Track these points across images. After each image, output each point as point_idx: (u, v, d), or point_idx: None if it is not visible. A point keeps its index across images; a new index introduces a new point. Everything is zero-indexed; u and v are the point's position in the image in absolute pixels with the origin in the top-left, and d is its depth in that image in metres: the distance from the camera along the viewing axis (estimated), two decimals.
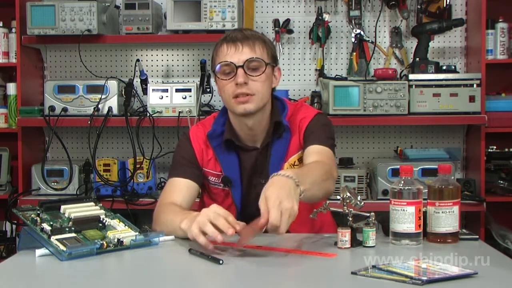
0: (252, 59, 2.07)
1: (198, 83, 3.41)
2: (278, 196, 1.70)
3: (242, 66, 2.06)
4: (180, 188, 2.14)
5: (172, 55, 3.75)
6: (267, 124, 2.16)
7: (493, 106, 3.40)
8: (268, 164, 2.15)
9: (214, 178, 2.19)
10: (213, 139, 2.18)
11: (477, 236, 1.95)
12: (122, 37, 3.54)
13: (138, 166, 3.35)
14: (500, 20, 3.50)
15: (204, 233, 1.73)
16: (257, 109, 2.09)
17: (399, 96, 3.28)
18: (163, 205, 2.08)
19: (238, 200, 2.14)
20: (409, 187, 1.83)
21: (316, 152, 2.05)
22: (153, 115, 3.33)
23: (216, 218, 1.73)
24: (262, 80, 2.08)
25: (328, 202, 1.88)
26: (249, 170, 2.17)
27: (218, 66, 2.09)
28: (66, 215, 1.86)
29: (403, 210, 1.83)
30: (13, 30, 3.55)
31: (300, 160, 2.16)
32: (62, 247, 1.70)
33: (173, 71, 3.75)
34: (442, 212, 1.86)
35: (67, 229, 1.79)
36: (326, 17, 3.60)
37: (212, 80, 3.48)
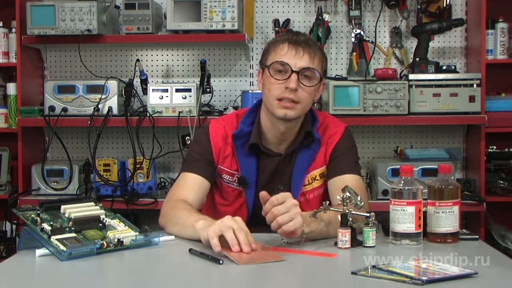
0: (309, 69, 2.05)
1: (198, 83, 3.40)
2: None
3: (297, 72, 2.04)
4: (193, 185, 2.13)
5: (172, 55, 3.75)
6: (297, 132, 2.16)
7: (493, 106, 3.40)
8: (291, 171, 2.15)
9: (228, 177, 2.18)
10: (238, 139, 2.16)
11: (477, 236, 1.96)
12: (122, 37, 3.54)
13: (138, 166, 3.35)
14: (500, 20, 3.50)
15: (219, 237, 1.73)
16: (296, 117, 2.09)
17: (399, 96, 3.28)
18: (175, 201, 2.07)
19: (251, 202, 2.13)
20: (409, 187, 1.83)
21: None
22: (153, 115, 3.33)
23: (239, 231, 1.73)
24: (311, 91, 2.08)
25: (327, 202, 1.88)
26: (268, 175, 2.16)
27: (273, 64, 2.07)
28: (66, 215, 1.86)
29: (403, 210, 1.83)
30: (13, 30, 3.55)
31: (321, 175, 2.17)
32: (62, 247, 1.70)
33: (173, 71, 3.75)
34: (442, 212, 1.86)
35: (67, 229, 1.79)
36: (326, 17, 3.59)
37: (212, 80, 3.49)
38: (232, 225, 1.74)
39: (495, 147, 3.48)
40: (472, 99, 3.29)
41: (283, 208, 1.78)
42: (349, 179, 2.09)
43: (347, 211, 1.83)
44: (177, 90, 3.37)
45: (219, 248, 1.70)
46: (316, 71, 2.07)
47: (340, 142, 2.17)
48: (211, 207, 2.27)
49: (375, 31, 3.53)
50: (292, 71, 2.04)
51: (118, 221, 1.91)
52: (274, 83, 2.06)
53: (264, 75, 2.11)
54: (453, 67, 3.43)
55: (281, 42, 2.09)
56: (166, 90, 3.38)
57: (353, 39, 3.60)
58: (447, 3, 3.57)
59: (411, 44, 3.60)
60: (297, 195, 2.12)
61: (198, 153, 2.18)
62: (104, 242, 1.77)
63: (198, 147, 2.20)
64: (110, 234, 1.82)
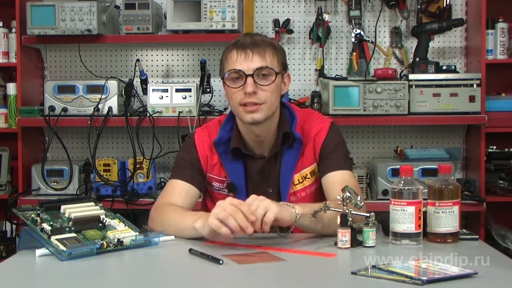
0: (262, 68, 2.04)
1: (198, 83, 3.41)
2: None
3: (251, 75, 2.02)
4: (181, 191, 2.13)
5: (172, 55, 3.75)
6: (275, 133, 2.14)
7: (493, 106, 3.40)
8: (278, 173, 2.14)
9: (218, 184, 2.18)
10: (220, 146, 2.15)
11: (477, 236, 1.95)
12: (122, 37, 3.54)
13: (138, 166, 3.35)
14: (500, 20, 3.50)
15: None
16: (265, 118, 2.07)
17: (399, 96, 3.28)
18: (164, 205, 2.07)
19: None
20: (409, 187, 1.83)
21: (339, 182, 2.00)
22: (153, 115, 3.33)
23: (236, 213, 1.75)
24: (272, 89, 2.05)
25: (328, 202, 1.88)
26: (256, 178, 2.16)
27: (226, 74, 2.06)
28: (66, 215, 1.86)
29: (403, 210, 1.83)
30: (13, 30, 3.55)
31: (312, 173, 2.16)
32: (62, 247, 1.70)
33: (173, 71, 3.75)
34: (442, 212, 1.86)
35: (67, 229, 1.79)
36: (326, 17, 3.60)
37: (212, 80, 3.49)
38: (227, 211, 1.75)
39: (495, 147, 3.48)
40: (472, 99, 3.29)
41: (253, 207, 1.78)
42: (340, 175, 2.08)
43: (347, 211, 1.83)
44: (177, 90, 3.37)
45: (231, 235, 1.75)
46: (270, 68, 2.05)
47: (327, 139, 2.15)
48: None
49: (375, 31, 3.53)
50: (246, 76, 2.03)
51: (118, 221, 1.91)
52: (233, 92, 2.06)
53: (225, 87, 2.11)
54: (453, 67, 3.43)
55: (230, 50, 2.08)
56: (166, 90, 3.38)
57: (353, 39, 3.61)
58: (447, 3, 3.57)
59: (411, 44, 3.60)
60: (287, 195, 2.13)
61: (186, 160, 2.18)
62: (104, 242, 1.77)
63: (186, 155, 2.20)
64: (110, 234, 1.82)
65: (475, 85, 3.30)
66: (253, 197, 1.83)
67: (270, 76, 2.05)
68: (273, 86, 2.06)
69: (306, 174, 2.15)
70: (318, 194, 2.15)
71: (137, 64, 3.45)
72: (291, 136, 2.13)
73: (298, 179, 2.15)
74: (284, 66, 2.12)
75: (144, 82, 3.48)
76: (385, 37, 3.67)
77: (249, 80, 2.02)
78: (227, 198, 1.82)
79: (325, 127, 2.17)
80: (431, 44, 3.49)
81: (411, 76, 3.34)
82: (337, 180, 1.99)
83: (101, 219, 1.89)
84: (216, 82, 3.65)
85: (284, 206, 1.84)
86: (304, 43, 3.69)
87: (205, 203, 2.28)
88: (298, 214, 1.83)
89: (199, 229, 1.85)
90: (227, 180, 2.16)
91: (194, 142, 2.19)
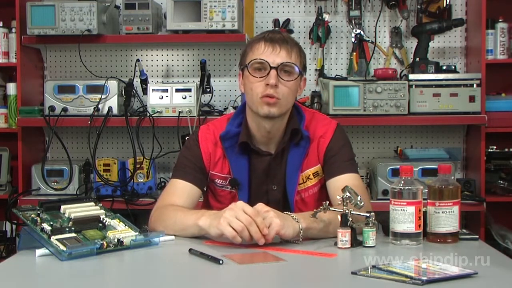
0: (287, 64, 2.06)
1: (198, 83, 3.41)
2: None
3: (276, 68, 2.04)
4: (182, 191, 2.13)
5: (172, 55, 3.75)
6: (283, 130, 2.15)
7: (493, 106, 3.40)
8: (283, 170, 2.15)
9: (221, 181, 2.18)
10: (226, 140, 2.16)
11: (477, 236, 1.96)
12: (122, 37, 3.54)
13: (138, 166, 3.35)
14: (500, 20, 3.50)
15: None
16: (280, 114, 2.08)
17: (399, 96, 3.28)
18: (166, 206, 2.07)
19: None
20: (409, 187, 1.83)
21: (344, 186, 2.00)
22: (153, 115, 3.33)
23: (251, 226, 1.76)
24: (292, 87, 2.08)
25: (327, 202, 1.88)
26: (260, 175, 2.16)
27: (251, 62, 2.07)
28: (66, 215, 1.86)
29: (403, 210, 1.83)
30: (13, 30, 3.55)
31: (315, 174, 2.16)
32: (62, 247, 1.70)
33: (173, 71, 3.75)
34: (442, 212, 1.87)
35: (67, 229, 1.80)
36: (326, 17, 3.60)
37: (212, 80, 3.49)
38: (241, 219, 1.76)
39: (495, 147, 3.48)
40: (472, 99, 3.29)
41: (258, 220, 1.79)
42: (347, 179, 2.09)
43: (347, 211, 1.83)
44: (177, 90, 3.37)
45: (239, 240, 1.76)
46: (295, 66, 2.07)
47: (332, 141, 2.16)
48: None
49: (375, 31, 3.53)
50: (271, 68, 2.04)
51: (118, 221, 1.91)
52: (254, 81, 2.07)
53: (244, 75, 2.12)
54: (453, 67, 3.43)
55: (257, 41, 2.10)
56: (166, 90, 3.38)
57: (353, 39, 3.60)
58: (447, 3, 3.57)
59: (411, 44, 3.60)
60: (293, 194, 2.13)
61: (188, 159, 2.19)
62: (104, 242, 1.77)
63: (188, 154, 2.20)
64: (110, 234, 1.82)
65: (475, 85, 3.30)
66: (261, 205, 1.84)
67: (293, 73, 2.08)
68: (293, 84, 2.08)
69: (309, 175, 2.16)
70: (321, 195, 2.16)
71: (137, 64, 3.45)
72: (299, 133, 2.14)
73: (302, 179, 2.15)
74: (304, 69, 2.15)
75: (144, 82, 3.48)
76: (385, 37, 3.67)
77: (273, 72, 2.04)
78: (238, 202, 1.82)
79: (330, 129, 2.19)
80: (431, 44, 3.49)
81: (411, 76, 3.34)
82: (342, 184, 1.98)
83: (101, 219, 1.89)
84: (216, 82, 3.65)
85: (288, 220, 1.83)
86: (304, 43, 3.68)
87: (207, 200, 2.28)
88: (301, 229, 1.84)
89: (204, 227, 1.85)
90: (230, 176, 2.16)
91: (197, 139, 2.20)
